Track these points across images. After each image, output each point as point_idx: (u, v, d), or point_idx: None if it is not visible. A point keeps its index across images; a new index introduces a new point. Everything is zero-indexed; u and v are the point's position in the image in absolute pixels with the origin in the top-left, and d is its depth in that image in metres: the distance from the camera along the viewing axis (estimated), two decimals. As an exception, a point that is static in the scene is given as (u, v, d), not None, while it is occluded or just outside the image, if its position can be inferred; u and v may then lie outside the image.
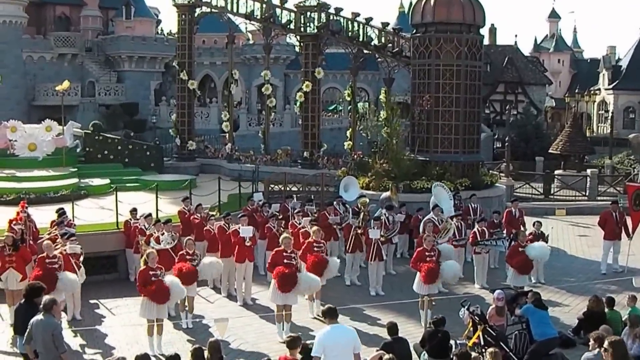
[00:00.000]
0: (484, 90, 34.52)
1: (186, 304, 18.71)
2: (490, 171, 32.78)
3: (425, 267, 18.53)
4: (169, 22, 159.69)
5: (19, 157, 34.51)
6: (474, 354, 13.49)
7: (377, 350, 13.79)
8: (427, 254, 18.82)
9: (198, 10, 40.05)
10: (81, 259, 19.39)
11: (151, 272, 16.64)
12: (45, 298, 13.26)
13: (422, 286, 18.62)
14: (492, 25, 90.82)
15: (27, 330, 12.91)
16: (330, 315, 12.85)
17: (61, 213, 22.50)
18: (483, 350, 14.64)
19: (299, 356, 12.58)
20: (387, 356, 12.70)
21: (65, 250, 18.93)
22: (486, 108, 76.40)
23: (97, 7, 74.31)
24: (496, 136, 73.89)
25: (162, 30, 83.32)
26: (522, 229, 25.00)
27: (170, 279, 17.26)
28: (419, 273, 18.69)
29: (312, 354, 12.37)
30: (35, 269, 18.14)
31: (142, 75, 71.96)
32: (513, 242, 22.37)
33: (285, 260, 17.63)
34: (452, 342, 14.85)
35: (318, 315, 19.28)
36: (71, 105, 62.17)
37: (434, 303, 18.38)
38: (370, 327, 18.47)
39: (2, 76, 38.71)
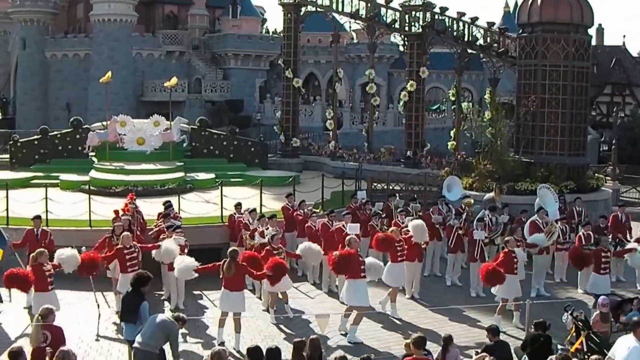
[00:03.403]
0: (591, 91, 33.91)
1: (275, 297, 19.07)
2: (596, 174, 32.06)
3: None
4: (275, 21, 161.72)
5: (128, 150, 35.34)
6: (575, 360, 13.33)
7: (479, 353, 13.73)
8: (513, 255, 18.79)
9: (303, 9, 40.35)
10: (186, 250, 19.85)
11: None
12: (181, 314, 14.07)
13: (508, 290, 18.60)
14: (600, 25, 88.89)
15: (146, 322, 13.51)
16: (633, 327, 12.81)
17: (168, 206, 23.05)
18: (586, 356, 14.43)
19: None
20: (488, 358, 12.65)
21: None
22: (592, 110, 74.88)
23: (204, 6, 75.31)
24: (602, 139, 72.35)
25: (267, 28, 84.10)
26: (628, 234, 24.61)
27: None
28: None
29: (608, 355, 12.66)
30: (109, 254, 18.84)
31: (247, 73, 72.70)
32: (619, 247, 22.01)
33: None
34: (553, 347, 14.67)
35: (393, 317, 19.31)
36: (178, 101, 63.21)
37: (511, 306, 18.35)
38: (470, 328, 18.37)
39: (112, 72, 39.58)
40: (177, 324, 13.49)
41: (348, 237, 18.33)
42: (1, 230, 20.06)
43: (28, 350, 12.73)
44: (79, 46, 70.37)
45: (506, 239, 19.54)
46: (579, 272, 22.23)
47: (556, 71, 29.07)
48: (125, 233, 19.19)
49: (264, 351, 12.30)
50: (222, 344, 16.26)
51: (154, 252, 19.34)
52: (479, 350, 13.97)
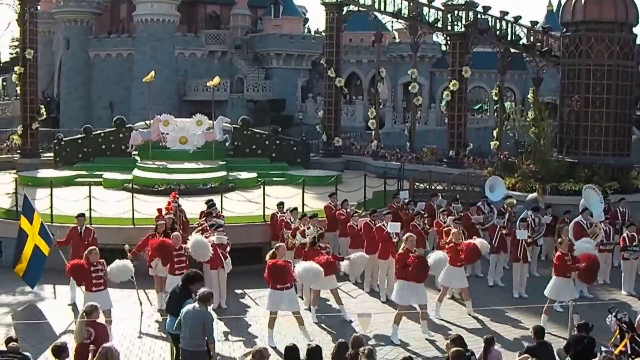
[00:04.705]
0: (635, 91, 33.58)
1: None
2: (641, 175, 31.75)
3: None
4: (317, 21, 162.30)
5: (171, 149, 35.57)
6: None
7: (521, 354, 13.63)
8: (567, 258, 18.47)
9: (346, 9, 40.27)
10: (228, 249, 19.98)
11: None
12: (204, 290, 13.85)
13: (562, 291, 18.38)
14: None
15: (179, 317, 13.47)
16: None
17: (210, 204, 23.16)
18: (630, 359, 14.27)
19: None
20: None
21: (213, 240, 19.51)
22: (637, 109, 73.92)
23: (246, 5, 75.57)
24: (647, 139, 71.48)
25: (309, 28, 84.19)
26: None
27: (305, 264, 17.66)
28: (557, 278, 18.45)
29: None
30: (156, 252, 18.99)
31: (289, 72, 72.85)
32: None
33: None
34: (597, 349, 14.51)
35: (470, 315, 19.25)
36: (220, 101, 63.41)
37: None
38: (512, 329, 18.24)
39: (155, 72, 39.83)
40: (207, 307, 13.50)
41: (406, 235, 18.34)
42: (46, 228, 20.36)
43: (72, 346, 12.89)
44: (122, 46, 71.10)
45: (559, 240, 19.29)
46: (623, 274, 22.01)
47: (600, 70, 28.85)
48: (175, 233, 19.42)
49: (305, 350, 12.31)
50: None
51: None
52: (521, 352, 13.88)
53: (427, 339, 17.32)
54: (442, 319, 18.91)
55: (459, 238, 19.76)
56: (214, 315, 17.13)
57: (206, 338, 13.27)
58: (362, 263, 19.74)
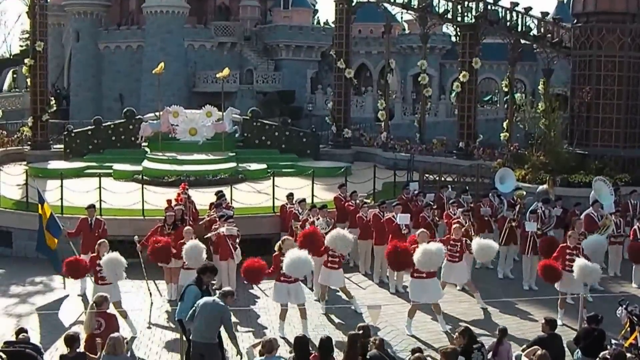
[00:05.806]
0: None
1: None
2: (652, 167, 31.64)
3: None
4: (326, 12, 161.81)
5: (180, 140, 35.56)
6: (630, 355, 13.13)
7: (529, 346, 13.61)
8: (568, 251, 18.37)
9: (355, 0, 40.19)
10: (237, 240, 19.97)
11: (282, 258, 16.89)
12: (227, 288, 14.10)
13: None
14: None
15: (193, 308, 13.45)
16: None
17: (220, 196, 23.16)
18: (640, 352, 14.23)
19: None
20: (540, 351, 12.54)
21: (222, 231, 19.52)
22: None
23: (256, -3, 75.71)
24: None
25: (318, 19, 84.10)
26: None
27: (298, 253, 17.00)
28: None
29: None
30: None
31: (298, 64, 72.79)
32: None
33: None
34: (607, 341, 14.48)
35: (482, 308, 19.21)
36: (229, 92, 63.35)
37: (591, 300, 17.98)
38: (521, 321, 18.21)
39: (165, 64, 39.81)
40: (226, 302, 13.51)
41: (419, 231, 18.30)
42: (56, 219, 20.42)
43: (82, 337, 12.91)
44: (131, 38, 71.09)
45: (569, 233, 19.20)
46: (634, 266, 21.93)
47: (611, 62, 28.78)
48: (187, 228, 19.45)
49: (318, 341, 12.31)
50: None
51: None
52: (528, 344, 13.86)
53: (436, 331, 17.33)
54: (451, 312, 18.90)
55: (459, 234, 19.57)
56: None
57: (222, 332, 13.32)
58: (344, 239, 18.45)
